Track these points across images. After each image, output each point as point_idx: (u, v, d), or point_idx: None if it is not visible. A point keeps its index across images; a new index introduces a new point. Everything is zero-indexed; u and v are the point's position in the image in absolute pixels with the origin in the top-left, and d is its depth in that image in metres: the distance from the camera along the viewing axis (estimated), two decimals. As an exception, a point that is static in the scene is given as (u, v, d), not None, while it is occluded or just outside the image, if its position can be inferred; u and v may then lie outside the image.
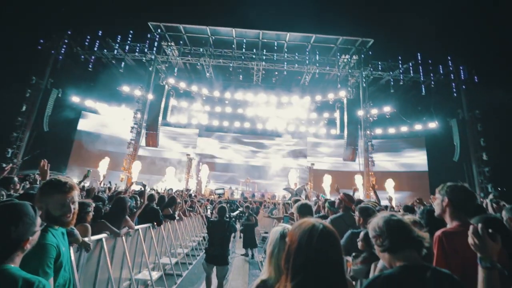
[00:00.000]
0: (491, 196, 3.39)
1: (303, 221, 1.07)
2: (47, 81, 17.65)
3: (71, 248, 2.46)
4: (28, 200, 1.36)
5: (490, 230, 1.08)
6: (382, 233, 1.22)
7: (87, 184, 9.91)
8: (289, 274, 0.96)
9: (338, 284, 0.93)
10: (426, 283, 1.05)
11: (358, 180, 19.10)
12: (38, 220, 1.16)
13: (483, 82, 19.18)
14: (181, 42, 19.84)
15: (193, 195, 12.86)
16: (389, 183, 18.74)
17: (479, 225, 1.10)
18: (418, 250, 1.20)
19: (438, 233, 1.41)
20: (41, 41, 17.35)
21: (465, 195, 1.55)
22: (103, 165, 17.54)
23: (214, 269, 4.12)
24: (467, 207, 1.52)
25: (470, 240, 1.10)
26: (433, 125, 20.45)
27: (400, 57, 20.15)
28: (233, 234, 4.44)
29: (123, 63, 19.25)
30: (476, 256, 1.12)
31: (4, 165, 4.42)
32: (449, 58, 20.30)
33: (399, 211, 4.15)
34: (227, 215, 4.39)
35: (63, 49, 17.92)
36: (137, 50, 19.28)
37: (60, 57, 17.87)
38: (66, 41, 18.05)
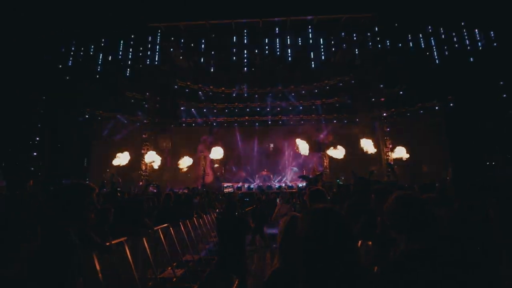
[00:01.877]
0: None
1: (310, 208, 1.04)
2: (56, 96, 18.02)
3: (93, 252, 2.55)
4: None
5: None
6: (397, 214, 1.16)
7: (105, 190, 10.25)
8: (301, 262, 0.96)
9: (348, 265, 0.92)
10: (440, 265, 1.01)
11: (368, 144, 18.32)
12: None
13: (504, 47, 17.78)
14: (182, 40, 19.93)
15: (210, 192, 13.06)
16: (401, 151, 17.69)
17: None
18: (435, 229, 1.13)
19: None
20: (45, 54, 17.18)
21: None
22: (124, 157, 17.80)
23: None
24: None
25: None
26: (449, 98, 19.39)
27: (408, 30, 19.17)
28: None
29: (128, 69, 19.54)
30: None
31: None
32: (462, 23, 19.04)
33: (416, 189, 4.00)
34: (238, 211, 4.01)
35: (70, 61, 18.30)
36: (140, 54, 19.50)
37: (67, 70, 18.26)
38: (72, 53, 18.44)
